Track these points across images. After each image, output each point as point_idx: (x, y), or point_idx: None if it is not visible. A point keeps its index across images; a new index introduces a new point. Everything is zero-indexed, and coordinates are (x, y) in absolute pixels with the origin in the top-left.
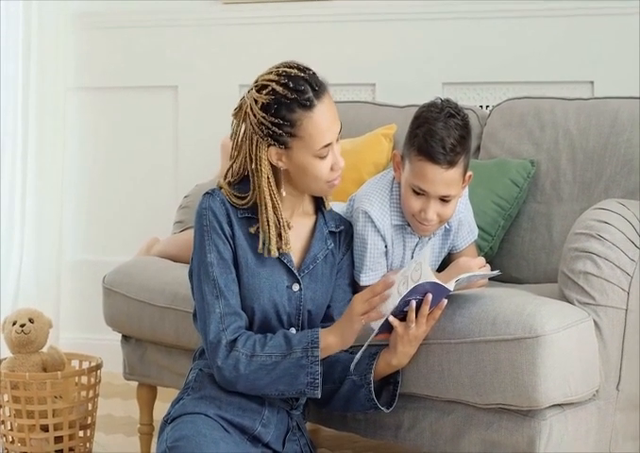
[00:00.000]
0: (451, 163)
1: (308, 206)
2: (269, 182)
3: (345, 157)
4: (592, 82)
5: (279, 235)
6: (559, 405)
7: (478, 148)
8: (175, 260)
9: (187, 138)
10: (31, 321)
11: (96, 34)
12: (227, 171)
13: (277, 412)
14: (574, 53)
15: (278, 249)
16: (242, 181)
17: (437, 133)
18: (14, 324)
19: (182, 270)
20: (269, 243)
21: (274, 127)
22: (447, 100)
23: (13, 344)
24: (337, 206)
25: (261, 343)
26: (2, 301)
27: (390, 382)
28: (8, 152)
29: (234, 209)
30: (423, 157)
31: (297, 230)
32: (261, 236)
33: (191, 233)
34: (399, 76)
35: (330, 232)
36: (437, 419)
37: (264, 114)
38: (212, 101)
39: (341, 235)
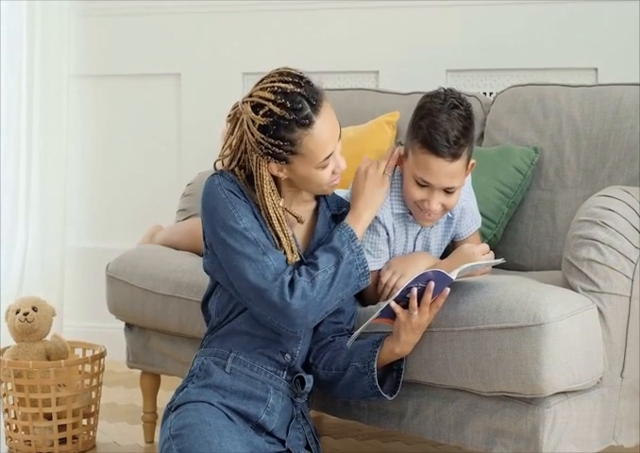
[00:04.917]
0: (455, 156)
1: (307, 194)
2: (272, 199)
3: (348, 145)
4: (596, 69)
5: (292, 250)
6: (563, 392)
7: (481, 135)
8: (177, 248)
9: (190, 125)
10: (35, 309)
11: (99, 21)
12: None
13: (281, 400)
14: (578, 40)
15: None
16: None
17: (441, 125)
18: (18, 312)
19: (186, 258)
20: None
21: (273, 148)
22: (451, 90)
23: (17, 333)
24: (339, 193)
25: (311, 266)
26: (6, 289)
27: (393, 370)
28: (11, 140)
29: (245, 188)
30: (427, 149)
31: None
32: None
33: (194, 221)
34: (403, 64)
35: (333, 215)
36: (441, 407)
37: (263, 135)
38: (215, 89)
39: (343, 217)
